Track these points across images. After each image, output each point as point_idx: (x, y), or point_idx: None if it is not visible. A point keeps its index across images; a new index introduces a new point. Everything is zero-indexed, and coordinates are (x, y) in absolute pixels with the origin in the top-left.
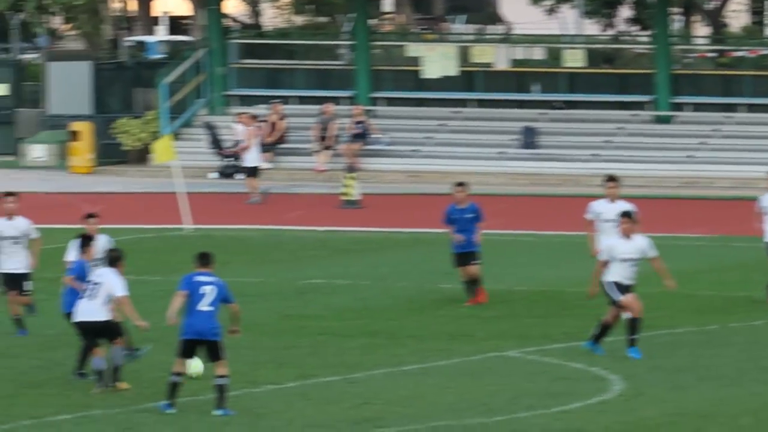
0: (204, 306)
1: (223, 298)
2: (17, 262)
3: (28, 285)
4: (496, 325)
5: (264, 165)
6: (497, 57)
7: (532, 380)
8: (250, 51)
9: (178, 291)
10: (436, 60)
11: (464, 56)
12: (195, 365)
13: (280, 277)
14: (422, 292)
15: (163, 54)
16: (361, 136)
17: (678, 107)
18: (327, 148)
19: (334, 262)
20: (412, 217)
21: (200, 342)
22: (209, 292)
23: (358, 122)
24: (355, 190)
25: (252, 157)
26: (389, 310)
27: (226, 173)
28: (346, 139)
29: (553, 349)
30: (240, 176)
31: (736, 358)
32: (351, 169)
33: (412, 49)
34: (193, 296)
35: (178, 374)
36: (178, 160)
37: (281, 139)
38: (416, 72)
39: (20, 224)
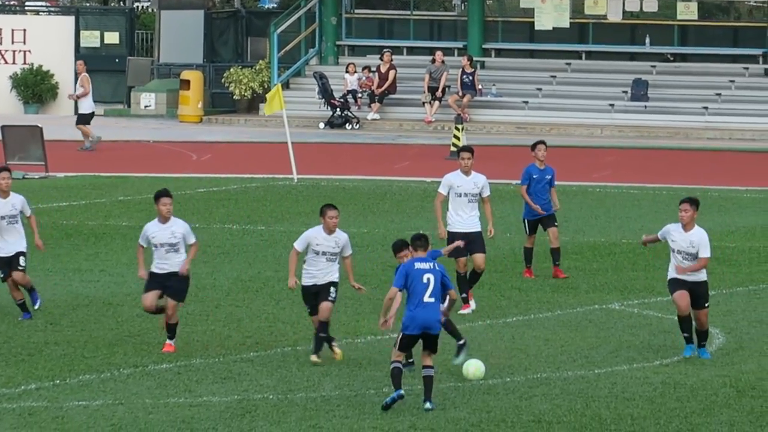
0: (428, 297)
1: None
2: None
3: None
4: (599, 277)
5: (372, 116)
6: (610, 9)
7: (633, 333)
8: (362, 1)
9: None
10: (549, 11)
11: (577, 8)
12: (475, 368)
13: (385, 228)
14: None
15: (276, 3)
16: (469, 87)
17: None
18: (437, 99)
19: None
20: (519, 168)
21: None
22: (431, 281)
23: (466, 73)
24: (462, 140)
25: (87, 104)
26: (493, 262)
27: (334, 123)
28: (454, 90)
29: (655, 302)
30: (350, 126)
31: None
32: (459, 119)
33: (525, 0)
34: (416, 287)
35: (399, 362)
36: (288, 110)
37: (391, 90)
38: (528, 23)
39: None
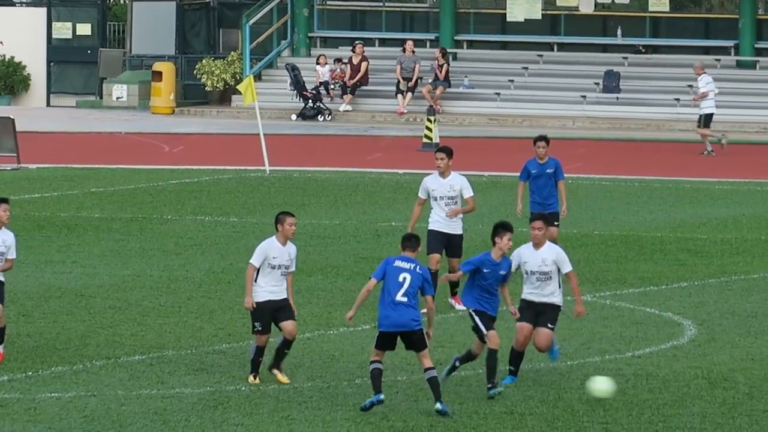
0: (400, 296)
1: (420, 288)
2: None
3: None
4: None
5: (344, 107)
6: (582, 1)
7: (605, 325)
8: None
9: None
10: (521, 3)
11: None
12: (603, 387)
13: (357, 220)
14: None
15: None
16: (442, 79)
17: (761, 52)
18: (409, 90)
19: (413, 204)
20: (491, 160)
21: (400, 334)
22: (407, 280)
23: (440, 65)
24: (434, 132)
25: None
26: (465, 254)
27: (306, 115)
28: (427, 82)
29: (627, 294)
30: (322, 118)
31: None
32: (432, 111)
33: None
34: (390, 284)
35: (378, 362)
36: (260, 102)
37: (363, 81)
38: (501, 15)
39: None
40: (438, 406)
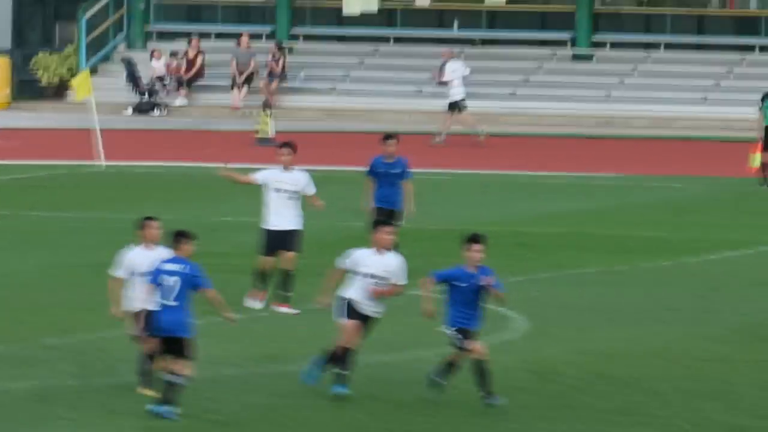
0: (171, 301)
1: (192, 287)
2: None
3: None
4: None
5: (179, 101)
6: None
7: (435, 318)
8: None
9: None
10: None
11: None
12: None
13: (192, 215)
14: (333, 230)
15: None
16: (278, 73)
17: (598, 45)
18: (244, 84)
19: (246, 200)
20: (326, 154)
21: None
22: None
23: (276, 59)
24: (270, 126)
25: None
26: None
27: (141, 109)
28: (263, 76)
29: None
30: (158, 112)
31: (642, 298)
32: (267, 105)
33: None
34: (162, 287)
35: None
36: (96, 96)
37: (198, 75)
38: (336, 9)
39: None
40: (149, 406)
